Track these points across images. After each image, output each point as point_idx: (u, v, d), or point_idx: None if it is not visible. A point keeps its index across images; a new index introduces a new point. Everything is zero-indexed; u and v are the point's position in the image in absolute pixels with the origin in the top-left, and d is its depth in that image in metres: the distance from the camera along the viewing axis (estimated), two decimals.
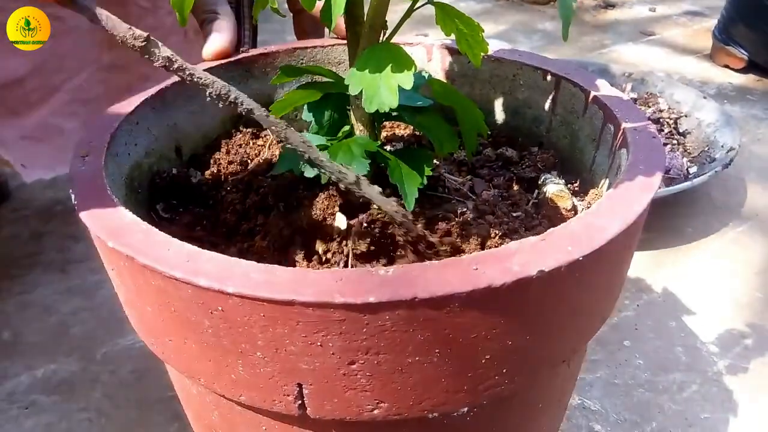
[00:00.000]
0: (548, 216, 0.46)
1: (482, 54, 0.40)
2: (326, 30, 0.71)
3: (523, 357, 0.35)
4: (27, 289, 0.87)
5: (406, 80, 0.36)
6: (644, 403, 0.69)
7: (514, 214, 0.46)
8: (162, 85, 0.53)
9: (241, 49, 0.61)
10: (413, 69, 0.36)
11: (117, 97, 0.50)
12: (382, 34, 0.39)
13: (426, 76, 0.47)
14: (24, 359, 0.76)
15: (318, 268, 0.41)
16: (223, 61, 0.57)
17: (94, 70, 0.76)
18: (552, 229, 0.33)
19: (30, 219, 1.02)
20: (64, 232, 0.98)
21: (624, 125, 0.44)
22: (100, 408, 0.70)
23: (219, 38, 0.57)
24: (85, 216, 0.37)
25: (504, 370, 0.34)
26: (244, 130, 0.58)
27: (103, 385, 0.73)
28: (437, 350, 0.32)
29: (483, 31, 0.37)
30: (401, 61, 0.36)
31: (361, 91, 0.37)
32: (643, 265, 0.90)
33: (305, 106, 0.46)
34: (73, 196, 0.39)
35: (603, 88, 0.49)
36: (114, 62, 0.77)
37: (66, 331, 0.81)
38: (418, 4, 0.37)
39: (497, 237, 0.43)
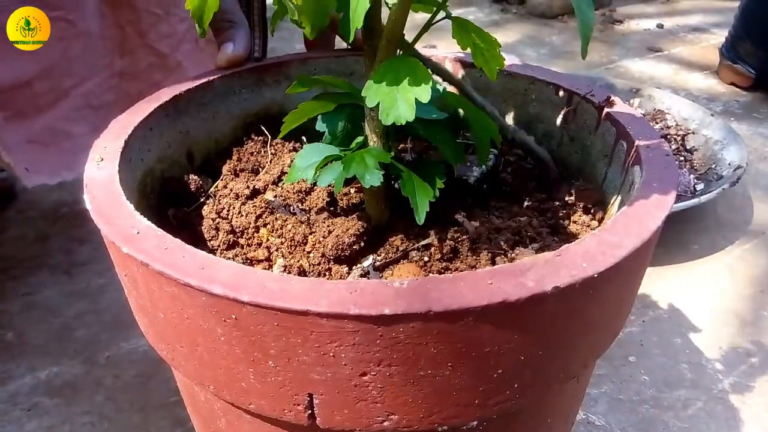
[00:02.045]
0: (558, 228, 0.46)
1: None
2: (335, 41, 0.72)
3: (535, 372, 0.35)
4: (32, 290, 0.88)
5: (424, 94, 0.36)
6: (649, 419, 0.69)
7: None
8: (175, 92, 0.53)
9: (253, 56, 0.61)
10: (430, 82, 0.36)
11: (128, 104, 0.51)
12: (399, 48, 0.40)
13: (441, 89, 0.47)
14: (27, 361, 0.76)
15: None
16: (236, 69, 0.58)
17: (106, 77, 0.76)
18: (567, 245, 0.34)
19: (36, 221, 1.02)
20: (69, 235, 0.98)
21: (637, 142, 0.44)
22: (103, 412, 0.70)
23: (233, 47, 0.57)
24: (99, 221, 0.37)
25: (515, 385, 0.34)
26: (256, 138, 0.58)
27: (106, 389, 0.73)
28: (450, 363, 0.32)
29: (500, 46, 0.37)
30: (418, 74, 0.37)
31: (378, 104, 0.37)
32: (649, 281, 0.90)
33: (319, 117, 0.46)
34: (87, 201, 0.39)
35: (616, 105, 0.50)
36: (126, 69, 0.77)
37: (70, 333, 0.81)
38: (435, 19, 0.38)
39: (508, 248, 0.43)
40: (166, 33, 0.78)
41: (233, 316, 0.32)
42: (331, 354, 0.32)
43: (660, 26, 2.00)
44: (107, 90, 0.77)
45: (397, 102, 0.36)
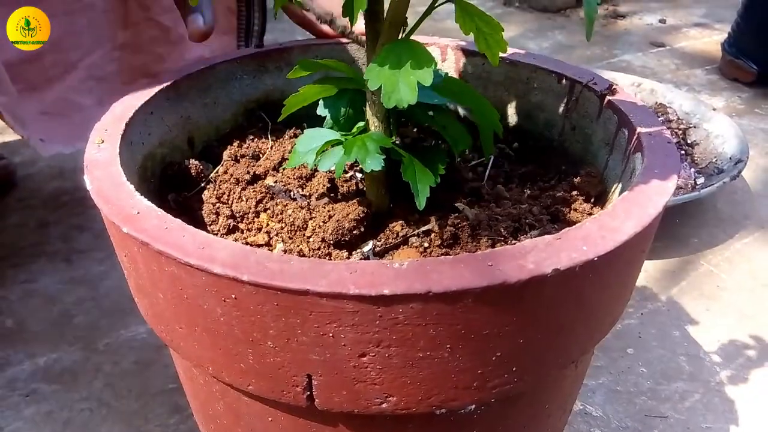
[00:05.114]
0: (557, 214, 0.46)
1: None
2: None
3: (534, 356, 0.35)
4: (31, 277, 0.88)
5: (426, 77, 0.36)
6: (646, 410, 0.69)
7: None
8: (176, 76, 0.53)
9: (253, 39, 0.61)
10: (433, 66, 0.36)
11: (131, 76, 0.50)
12: (401, 31, 0.40)
13: (443, 74, 0.47)
14: (26, 347, 0.76)
15: None
16: (238, 56, 0.58)
17: (109, 49, 0.77)
18: (567, 228, 0.34)
19: (36, 208, 1.02)
20: (69, 223, 0.98)
21: (639, 130, 0.44)
22: (101, 398, 0.70)
23: (203, 20, 0.53)
24: (99, 201, 0.37)
25: (514, 369, 0.34)
26: (257, 124, 0.58)
27: (104, 376, 0.73)
28: (448, 346, 0.32)
29: (503, 30, 0.37)
30: (421, 57, 0.37)
31: (380, 87, 0.37)
32: (648, 274, 0.90)
33: (321, 102, 0.46)
34: (87, 182, 0.39)
35: (618, 93, 0.50)
36: (129, 41, 0.78)
37: (69, 320, 0.81)
38: (439, 2, 0.38)
39: (508, 235, 0.43)
40: (168, 7, 0.78)
41: (233, 296, 0.32)
42: (330, 335, 0.32)
43: (663, 21, 1.99)
44: (110, 62, 0.77)
45: (399, 85, 0.36)
